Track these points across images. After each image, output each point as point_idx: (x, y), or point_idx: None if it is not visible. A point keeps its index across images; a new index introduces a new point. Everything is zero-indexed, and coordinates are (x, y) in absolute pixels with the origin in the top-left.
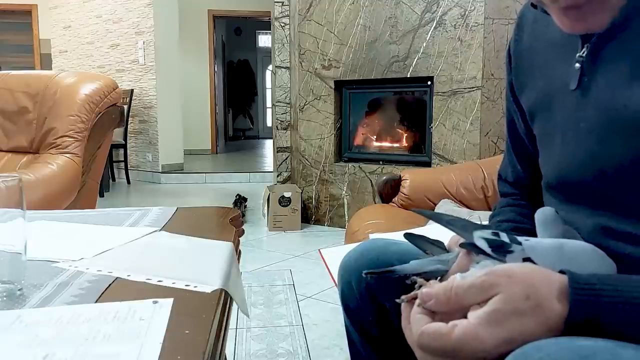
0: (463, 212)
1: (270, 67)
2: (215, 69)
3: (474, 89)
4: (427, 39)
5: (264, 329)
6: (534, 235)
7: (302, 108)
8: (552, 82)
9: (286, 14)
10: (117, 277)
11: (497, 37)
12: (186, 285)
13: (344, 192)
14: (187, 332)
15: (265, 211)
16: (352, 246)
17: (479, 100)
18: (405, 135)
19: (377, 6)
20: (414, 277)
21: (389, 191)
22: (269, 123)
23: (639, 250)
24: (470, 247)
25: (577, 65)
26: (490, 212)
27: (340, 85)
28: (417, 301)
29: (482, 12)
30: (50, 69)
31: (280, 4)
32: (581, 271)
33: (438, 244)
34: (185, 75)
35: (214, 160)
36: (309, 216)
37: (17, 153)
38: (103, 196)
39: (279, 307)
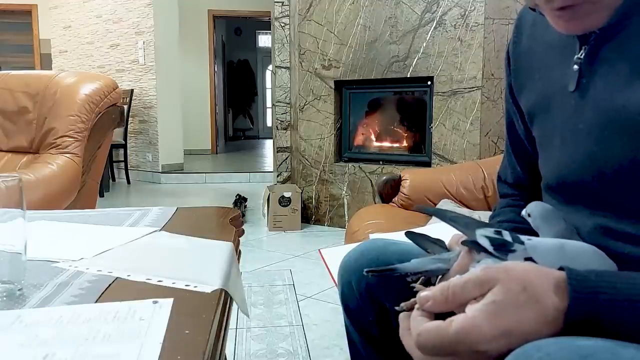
0: (463, 212)
1: (270, 67)
2: (215, 69)
3: (474, 89)
4: (427, 39)
5: (264, 329)
6: (535, 235)
7: (302, 108)
8: (550, 84)
9: (286, 14)
10: (117, 277)
11: (497, 37)
12: (186, 285)
13: (344, 192)
14: (187, 332)
15: (265, 211)
16: (352, 246)
17: (479, 100)
18: (405, 135)
19: (377, 6)
20: (414, 277)
21: (389, 191)
22: (269, 123)
23: (639, 250)
24: (472, 245)
25: (575, 67)
26: (490, 212)
27: (340, 85)
28: (417, 305)
29: (482, 12)
30: (50, 69)
31: (280, 4)
32: None
33: (439, 243)
34: (185, 75)
35: (214, 160)
36: (309, 216)
37: (17, 153)
38: (103, 196)
39: (279, 307)
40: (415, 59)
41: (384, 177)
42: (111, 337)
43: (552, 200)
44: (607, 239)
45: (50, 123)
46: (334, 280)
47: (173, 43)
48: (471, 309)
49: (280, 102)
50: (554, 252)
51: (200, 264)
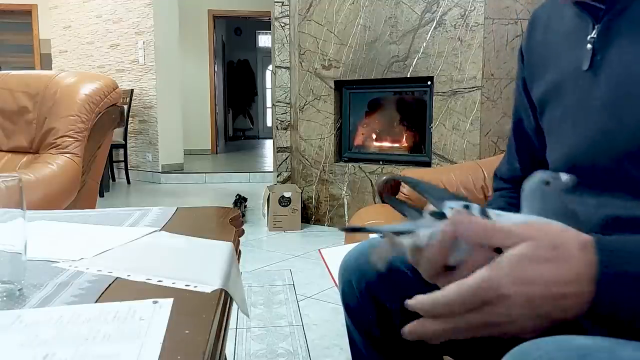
0: None
1: (270, 67)
2: (215, 69)
3: (474, 89)
4: (427, 39)
5: (264, 329)
6: None
7: (302, 108)
8: (563, 68)
9: (286, 14)
10: (117, 277)
11: (497, 37)
12: (186, 285)
13: (344, 192)
14: (187, 332)
15: (265, 211)
16: (352, 246)
17: (479, 100)
18: (405, 135)
19: (377, 6)
20: (383, 233)
21: (389, 191)
22: (269, 123)
23: None
24: (438, 216)
25: (589, 46)
26: None
27: (340, 85)
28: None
29: (482, 12)
30: (50, 69)
31: (280, 4)
32: None
33: (418, 210)
34: (185, 75)
35: (214, 160)
36: (309, 216)
37: (17, 153)
38: (103, 196)
39: (279, 307)
40: (415, 59)
41: (384, 177)
42: (111, 337)
43: None
44: (614, 230)
45: (50, 123)
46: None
47: (173, 43)
48: (495, 260)
49: (280, 102)
50: None
51: (200, 264)
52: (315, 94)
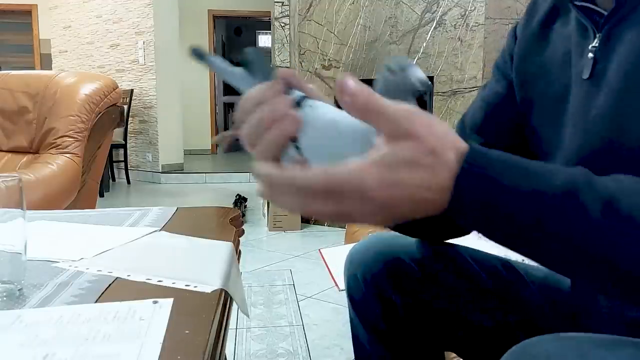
0: None
1: None
2: None
3: (474, 89)
4: (427, 39)
5: (264, 329)
6: None
7: None
8: (564, 73)
9: (286, 14)
10: (117, 277)
11: (497, 37)
12: (186, 285)
13: None
14: (187, 332)
15: (265, 211)
16: (352, 246)
17: None
18: None
19: (377, 6)
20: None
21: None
22: None
23: None
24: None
25: (590, 55)
26: None
27: None
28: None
29: (482, 12)
30: (50, 69)
31: (280, 4)
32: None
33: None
34: (185, 75)
35: (214, 160)
36: (309, 216)
37: (17, 153)
38: (103, 196)
39: (279, 307)
40: (415, 59)
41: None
42: (111, 337)
43: None
44: None
45: (50, 123)
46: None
47: (173, 43)
48: (372, 155)
49: None
50: (326, 129)
51: (200, 264)
52: None
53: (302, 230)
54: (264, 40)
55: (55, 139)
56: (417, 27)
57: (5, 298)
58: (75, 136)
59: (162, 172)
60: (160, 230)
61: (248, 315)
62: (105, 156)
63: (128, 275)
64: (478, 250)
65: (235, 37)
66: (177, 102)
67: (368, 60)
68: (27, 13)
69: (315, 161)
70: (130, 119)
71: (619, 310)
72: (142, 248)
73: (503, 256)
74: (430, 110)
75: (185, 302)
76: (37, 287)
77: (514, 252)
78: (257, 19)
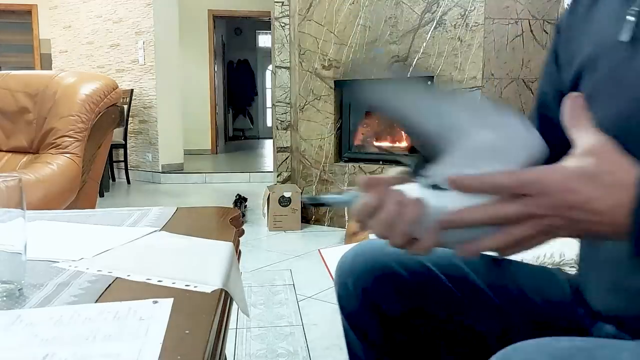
0: None
1: (270, 67)
2: (215, 69)
3: (474, 89)
4: (427, 39)
5: (264, 329)
6: None
7: (302, 108)
8: (600, 43)
9: (286, 14)
10: (117, 277)
11: (497, 37)
12: (186, 285)
13: (344, 192)
14: (187, 332)
15: (265, 211)
16: (351, 246)
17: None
18: (405, 135)
19: (377, 6)
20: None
21: None
22: (269, 123)
23: None
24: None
25: (630, 17)
26: None
27: (340, 85)
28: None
29: (482, 12)
30: (50, 69)
31: (280, 4)
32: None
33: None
34: (185, 75)
35: (214, 160)
36: (309, 216)
37: (17, 153)
38: (103, 196)
39: (279, 307)
40: (416, 59)
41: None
42: (111, 337)
43: None
44: None
45: (50, 123)
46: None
47: (173, 43)
48: (556, 166)
49: (280, 102)
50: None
51: (200, 264)
52: (315, 94)
53: (302, 230)
54: (264, 40)
55: (55, 139)
56: (417, 27)
57: (5, 298)
58: (75, 136)
59: (162, 172)
60: (160, 230)
61: (248, 315)
62: (105, 156)
63: (128, 275)
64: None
65: (235, 37)
66: (177, 102)
67: (368, 60)
68: (27, 13)
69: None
70: (130, 119)
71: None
72: (142, 248)
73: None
74: None
75: (185, 302)
76: (37, 287)
77: None
78: (257, 19)
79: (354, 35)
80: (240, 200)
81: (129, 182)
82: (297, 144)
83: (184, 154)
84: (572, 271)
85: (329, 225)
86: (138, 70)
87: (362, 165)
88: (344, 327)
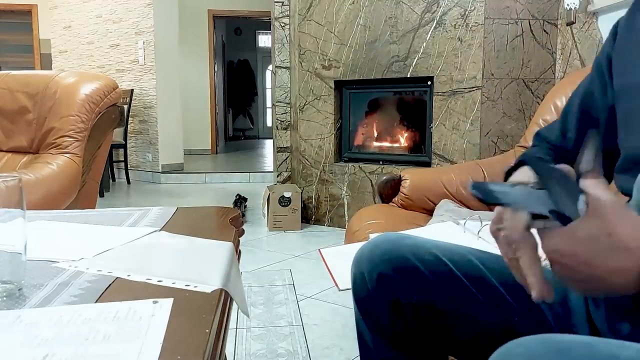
0: (463, 212)
1: (270, 67)
2: (215, 69)
3: (474, 89)
4: (427, 39)
5: (264, 329)
6: None
7: (302, 108)
8: None
9: (286, 14)
10: (117, 277)
11: (497, 37)
12: (186, 285)
13: (344, 192)
14: (187, 332)
15: (265, 211)
16: (351, 246)
17: (479, 100)
18: (405, 135)
19: (377, 6)
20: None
21: (389, 191)
22: (269, 123)
23: None
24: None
25: None
26: (490, 213)
27: (340, 85)
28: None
29: (482, 12)
30: (50, 69)
31: (280, 4)
32: None
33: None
34: (185, 75)
35: (214, 160)
36: (309, 216)
37: (17, 153)
38: (103, 196)
39: (279, 307)
40: (415, 59)
41: (384, 177)
42: (111, 337)
43: (630, 178)
44: None
45: (50, 123)
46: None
47: (173, 43)
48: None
49: (280, 102)
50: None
51: (200, 264)
52: (315, 94)
53: (302, 230)
54: (264, 40)
55: (55, 139)
56: (417, 27)
57: (5, 298)
58: (75, 136)
59: (162, 172)
60: (160, 230)
61: (248, 315)
62: (105, 156)
63: (128, 275)
64: (484, 251)
65: (235, 37)
66: (177, 102)
67: (368, 60)
68: (27, 13)
69: None
70: (130, 119)
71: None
72: (142, 248)
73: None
74: (431, 110)
75: (185, 302)
76: (37, 287)
77: None
78: (257, 19)
79: (354, 35)
80: (240, 200)
81: (129, 182)
82: (297, 144)
83: (184, 154)
84: None
85: (329, 225)
86: (138, 70)
87: (362, 165)
88: (355, 317)
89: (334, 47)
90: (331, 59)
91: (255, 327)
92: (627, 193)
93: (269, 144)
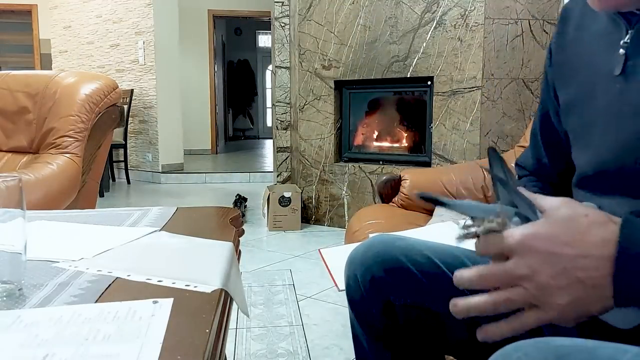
0: None
1: (270, 67)
2: (215, 69)
3: (474, 89)
4: (427, 39)
5: (264, 329)
6: None
7: (302, 108)
8: (595, 71)
9: (286, 14)
10: (117, 277)
11: (497, 37)
12: (186, 285)
13: (344, 192)
14: (187, 332)
15: (265, 211)
16: (352, 246)
17: (479, 100)
18: (405, 135)
19: (377, 6)
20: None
21: (389, 191)
22: (269, 123)
23: None
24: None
25: (622, 51)
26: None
27: (340, 85)
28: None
29: (482, 12)
30: (50, 69)
31: (280, 4)
32: None
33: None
34: (185, 75)
35: (214, 160)
36: (309, 216)
37: (17, 153)
38: (103, 196)
39: (279, 307)
40: (415, 59)
41: (384, 177)
42: (111, 337)
43: (585, 194)
44: None
45: (50, 123)
46: (334, 280)
47: (173, 43)
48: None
49: (280, 102)
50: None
51: (200, 264)
52: (315, 94)
53: (302, 230)
54: (264, 40)
55: (55, 139)
56: (417, 27)
57: (5, 298)
58: (75, 136)
59: (162, 172)
60: (160, 230)
61: (248, 315)
62: (105, 156)
63: (128, 275)
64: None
65: (235, 37)
66: (177, 102)
67: (368, 60)
68: (27, 13)
69: None
70: (130, 119)
71: None
72: (142, 248)
73: None
74: (430, 110)
75: (185, 302)
76: (37, 287)
77: None
78: (257, 19)
79: (354, 35)
80: (240, 200)
81: (129, 182)
82: (297, 144)
83: (184, 154)
84: None
85: (329, 225)
86: (138, 70)
87: (362, 165)
88: (350, 318)
89: (334, 47)
90: (331, 59)
91: (255, 327)
92: None
93: (269, 144)
